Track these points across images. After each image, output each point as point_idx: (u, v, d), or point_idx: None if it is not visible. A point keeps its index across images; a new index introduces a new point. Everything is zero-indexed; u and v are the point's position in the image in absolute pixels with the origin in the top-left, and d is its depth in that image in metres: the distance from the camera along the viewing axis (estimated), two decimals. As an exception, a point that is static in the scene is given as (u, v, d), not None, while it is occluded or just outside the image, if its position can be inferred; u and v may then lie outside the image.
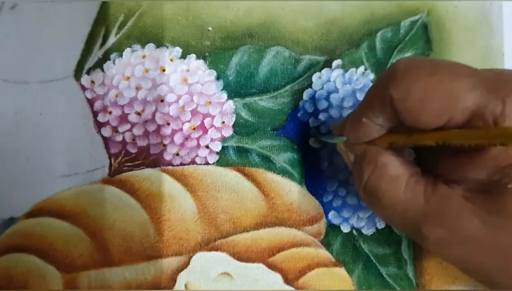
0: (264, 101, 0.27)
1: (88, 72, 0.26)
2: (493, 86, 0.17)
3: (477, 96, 0.17)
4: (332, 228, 0.27)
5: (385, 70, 0.20)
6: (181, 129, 0.27)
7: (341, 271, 0.27)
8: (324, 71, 0.27)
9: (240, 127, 0.27)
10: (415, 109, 0.18)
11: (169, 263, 0.26)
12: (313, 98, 0.27)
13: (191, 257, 0.26)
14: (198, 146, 0.27)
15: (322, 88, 0.27)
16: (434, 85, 0.18)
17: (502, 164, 0.18)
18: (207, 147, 0.27)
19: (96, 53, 0.26)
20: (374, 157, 0.20)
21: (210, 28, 0.27)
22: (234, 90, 0.27)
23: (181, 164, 0.27)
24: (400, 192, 0.19)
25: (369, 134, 0.21)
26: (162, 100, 0.26)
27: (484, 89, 0.17)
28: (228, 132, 0.27)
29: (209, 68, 0.27)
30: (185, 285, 0.26)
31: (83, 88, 0.26)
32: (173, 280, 0.26)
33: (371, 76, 0.28)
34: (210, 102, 0.27)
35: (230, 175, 0.27)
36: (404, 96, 0.18)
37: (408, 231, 0.20)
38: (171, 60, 0.27)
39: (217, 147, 0.27)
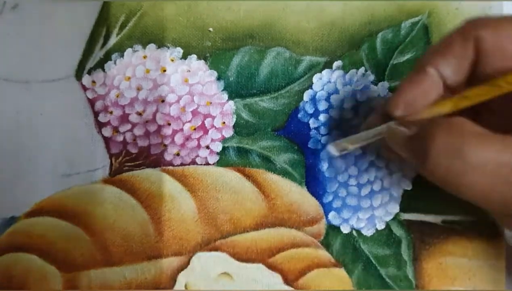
0: (264, 102, 0.27)
1: (89, 72, 0.26)
2: None
3: None
4: (332, 229, 0.27)
5: (465, 20, 0.19)
6: (181, 130, 0.27)
7: (341, 271, 0.27)
8: (324, 72, 0.28)
9: (240, 128, 0.27)
10: (507, 44, 0.18)
11: (169, 263, 0.26)
12: (313, 99, 0.27)
13: (191, 257, 0.26)
14: (199, 146, 0.27)
15: (322, 89, 0.28)
16: None
17: None
18: (207, 147, 0.27)
19: (97, 53, 0.27)
20: (446, 118, 0.18)
21: (211, 29, 0.27)
22: (235, 91, 0.27)
23: (182, 164, 0.27)
24: (490, 147, 0.17)
25: (429, 92, 0.19)
26: (163, 101, 0.26)
27: None
28: (228, 132, 0.27)
29: (210, 69, 0.27)
30: (185, 285, 0.26)
31: (84, 88, 0.27)
32: (173, 280, 0.26)
33: (372, 77, 0.28)
34: (211, 103, 0.27)
35: (231, 175, 0.27)
36: (494, 34, 0.18)
37: (496, 196, 0.17)
38: (172, 60, 0.27)
39: (217, 147, 0.27)
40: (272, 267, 0.26)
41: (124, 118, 0.27)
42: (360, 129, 0.23)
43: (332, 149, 0.23)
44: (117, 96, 0.26)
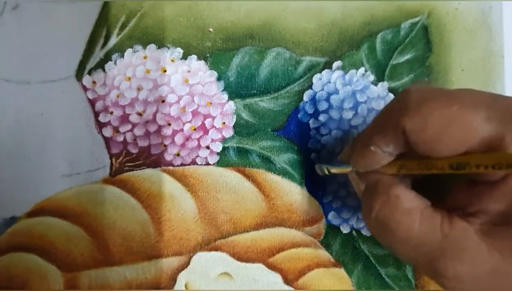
0: (264, 102, 0.27)
1: (89, 73, 0.27)
2: (508, 115, 0.17)
3: (493, 128, 0.17)
4: (332, 229, 0.27)
5: (395, 98, 0.20)
6: (182, 130, 0.27)
7: (341, 271, 0.27)
8: (324, 72, 0.28)
9: (240, 128, 0.27)
10: (432, 140, 0.18)
11: (169, 262, 0.26)
12: (313, 100, 0.27)
13: (191, 257, 0.26)
14: (199, 146, 0.27)
15: (322, 89, 0.28)
16: (450, 118, 0.17)
17: None
18: (207, 147, 0.27)
19: (98, 54, 0.27)
20: (387, 187, 0.20)
21: (211, 29, 0.27)
22: (235, 91, 0.27)
23: (182, 164, 0.27)
24: (414, 226, 0.19)
25: (377, 162, 0.20)
26: (163, 101, 0.27)
27: (501, 121, 0.17)
28: (228, 133, 0.27)
29: (210, 69, 0.27)
30: (185, 285, 0.26)
31: (85, 88, 0.27)
32: (173, 279, 0.26)
33: (371, 77, 0.28)
34: (211, 103, 0.27)
35: (231, 176, 0.27)
36: (419, 128, 0.18)
37: (421, 266, 0.19)
38: (172, 61, 0.27)
39: (217, 147, 0.27)
40: (272, 267, 0.26)
41: (125, 118, 0.27)
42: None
43: (317, 169, 0.25)
44: (118, 97, 0.27)
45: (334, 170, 0.24)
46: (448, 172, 0.18)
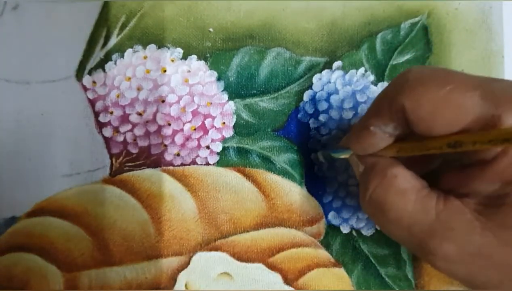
0: (264, 102, 0.27)
1: (89, 73, 0.27)
2: (505, 98, 0.17)
3: (489, 108, 0.17)
4: (332, 229, 0.27)
5: (395, 77, 0.20)
6: (182, 130, 0.27)
7: (341, 271, 0.27)
8: (324, 72, 0.28)
9: (240, 128, 0.27)
10: (427, 118, 0.18)
11: (169, 262, 0.26)
12: (313, 100, 0.27)
13: (191, 257, 0.26)
14: (199, 146, 0.27)
15: (322, 89, 0.28)
16: (444, 96, 0.18)
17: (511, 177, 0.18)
18: (207, 147, 0.27)
19: (98, 54, 0.27)
20: (384, 168, 0.20)
21: (211, 29, 0.27)
22: (235, 91, 0.27)
23: (182, 164, 0.27)
24: (408, 205, 0.19)
25: (376, 143, 0.20)
26: (163, 101, 0.27)
27: (497, 101, 0.17)
28: (228, 133, 0.27)
29: (210, 69, 0.27)
30: (185, 285, 0.26)
31: (85, 88, 0.27)
32: (173, 279, 0.26)
33: (371, 77, 0.28)
34: (211, 103, 0.27)
35: (231, 176, 0.27)
36: (415, 106, 0.18)
37: (412, 246, 0.20)
38: (172, 61, 0.27)
39: (217, 147, 0.27)
40: (272, 266, 0.26)
41: (125, 118, 0.27)
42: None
43: (319, 156, 0.26)
44: (118, 97, 0.27)
45: (335, 155, 0.24)
46: (446, 150, 0.18)
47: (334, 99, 0.28)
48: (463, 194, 0.19)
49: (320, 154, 0.26)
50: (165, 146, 0.27)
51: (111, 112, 0.27)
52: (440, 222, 0.18)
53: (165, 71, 0.27)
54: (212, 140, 0.27)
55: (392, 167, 0.20)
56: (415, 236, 0.19)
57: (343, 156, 0.24)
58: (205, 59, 0.27)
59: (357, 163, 0.22)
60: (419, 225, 0.19)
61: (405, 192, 0.19)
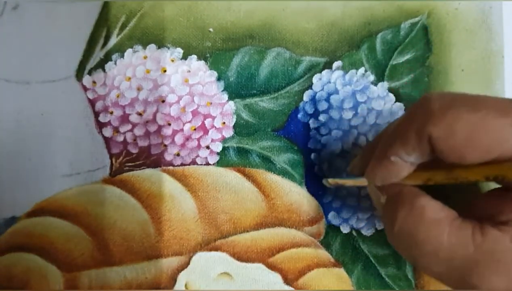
0: (264, 102, 0.27)
1: (89, 73, 0.27)
2: None
3: None
4: (332, 229, 0.27)
5: (414, 105, 0.19)
6: (182, 130, 0.27)
7: (341, 271, 0.27)
8: (324, 72, 0.28)
9: (240, 128, 0.27)
10: (460, 147, 0.17)
11: (169, 262, 0.26)
12: (313, 100, 0.27)
13: (191, 257, 0.26)
14: (199, 146, 0.27)
15: (322, 89, 0.28)
16: (478, 123, 0.17)
17: None
18: (207, 147, 0.27)
19: (98, 54, 0.27)
20: (411, 198, 0.19)
21: (211, 29, 0.27)
22: (235, 91, 0.27)
23: (182, 164, 0.27)
24: (443, 238, 0.18)
25: (398, 173, 0.19)
26: (163, 101, 0.27)
27: None
28: (228, 133, 0.27)
29: (210, 69, 0.27)
30: (185, 285, 0.26)
31: (85, 88, 0.27)
32: (173, 279, 0.26)
33: (371, 77, 0.28)
34: (211, 103, 0.27)
35: (231, 176, 0.27)
36: (446, 135, 0.17)
37: (453, 280, 0.18)
38: (172, 61, 0.27)
39: (217, 147, 0.27)
40: (272, 267, 0.26)
41: (125, 118, 0.27)
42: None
43: (324, 183, 0.25)
44: (118, 97, 0.27)
45: (347, 183, 0.23)
46: (483, 181, 0.18)
47: (334, 99, 0.28)
48: (500, 221, 0.18)
49: (325, 181, 0.25)
50: (165, 145, 0.27)
51: (111, 112, 0.27)
52: (483, 254, 0.17)
53: (165, 71, 0.27)
54: (212, 140, 0.27)
55: (418, 196, 0.19)
56: (456, 270, 0.18)
57: (355, 184, 0.23)
58: (205, 59, 0.27)
59: (377, 193, 0.21)
60: (458, 258, 0.18)
61: (438, 223, 0.18)
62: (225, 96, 0.27)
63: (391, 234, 0.19)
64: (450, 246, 0.18)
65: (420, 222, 0.18)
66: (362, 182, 0.22)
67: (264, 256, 0.27)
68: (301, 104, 0.27)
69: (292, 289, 0.26)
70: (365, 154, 0.23)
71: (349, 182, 0.23)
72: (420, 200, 0.19)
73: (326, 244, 0.27)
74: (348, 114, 0.27)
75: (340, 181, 0.24)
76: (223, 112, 0.27)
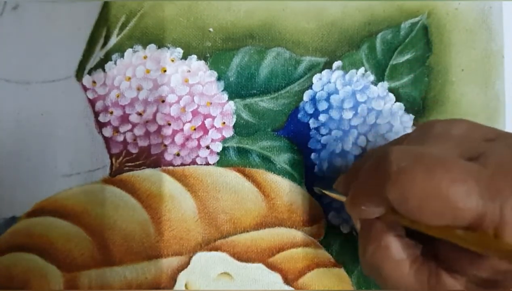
0: (264, 102, 0.27)
1: (89, 73, 0.27)
2: (490, 191, 0.16)
3: (474, 204, 0.16)
4: (332, 229, 0.27)
5: (379, 157, 0.19)
6: (182, 130, 0.27)
7: (341, 271, 0.27)
8: (324, 72, 0.28)
9: (240, 128, 0.27)
10: (413, 212, 0.18)
11: (169, 262, 0.26)
12: (313, 99, 0.27)
13: (191, 257, 0.26)
14: (199, 146, 0.27)
15: (322, 89, 0.28)
16: (431, 191, 0.17)
17: (504, 267, 0.18)
18: (207, 147, 0.27)
19: (98, 54, 0.27)
20: (379, 235, 0.20)
21: (211, 29, 0.27)
22: (235, 91, 0.27)
23: (182, 164, 0.27)
24: (403, 277, 0.19)
25: (369, 215, 0.20)
26: (163, 101, 0.27)
27: (481, 196, 0.16)
28: (228, 133, 0.27)
29: (210, 69, 0.27)
30: (185, 285, 0.26)
31: (85, 88, 0.27)
32: (173, 279, 0.26)
33: (371, 77, 0.28)
34: (211, 103, 0.27)
35: (231, 176, 0.27)
36: (400, 200, 0.18)
37: None
38: (172, 61, 0.27)
39: (217, 147, 0.27)
40: (272, 266, 0.26)
41: (125, 118, 0.27)
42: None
43: (316, 190, 0.27)
44: (118, 97, 0.27)
45: (332, 195, 0.25)
46: (438, 237, 0.18)
47: (334, 99, 0.28)
48: (456, 270, 0.19)
49: (316, 189, 0.27)
50: (165, 146, 0.27)
51: (111, 112, 0.27)
52: None
53: (165, 71, 0.27)
54: (212, 140, 0.27)
55: (386, 235, 0.20)
56: None
57: (339, 198, 0.24)
58: (205, 59, 0.27)
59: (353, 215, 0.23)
60: None
61: (399, 263, 0.20)
62: (225, 96, 0.27)
63: (362, 260, 0.21)
64: (409, 284, 0.19)
65: (385, 260, 0.20)
66: (343, 198, 0.23)
67: (264, 256, 0.27)
68: (301, 104, 0.27)
69: (292, 289, 0.26)
70: (349, 175, 0.24)
71: (335, 196, 0.24)
72: (387, 238, 0.20)
73: (326, 244, 0.27)
74: (348, 114, 0.27)
75: (327, 193, 0.25)
76: (223, 112, 0.27)
